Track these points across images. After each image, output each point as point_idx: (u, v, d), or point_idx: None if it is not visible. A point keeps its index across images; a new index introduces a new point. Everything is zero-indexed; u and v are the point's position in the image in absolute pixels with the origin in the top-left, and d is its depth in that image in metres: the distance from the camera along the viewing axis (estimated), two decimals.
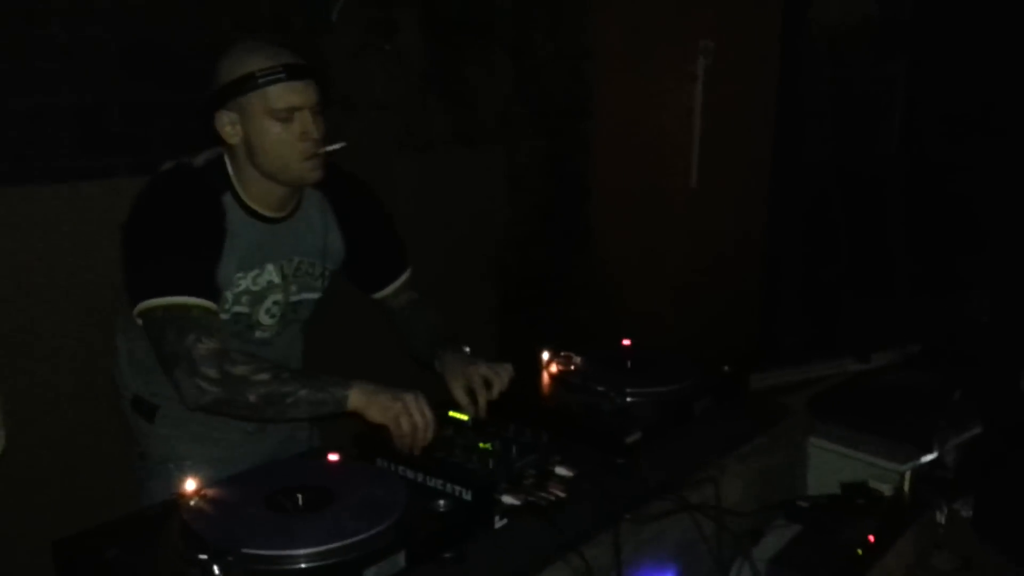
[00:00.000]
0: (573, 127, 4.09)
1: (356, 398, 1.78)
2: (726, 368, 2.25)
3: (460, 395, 1.96)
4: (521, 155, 3.87)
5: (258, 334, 2.04)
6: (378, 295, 2.27)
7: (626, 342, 2.34)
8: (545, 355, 2.25)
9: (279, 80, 1.85)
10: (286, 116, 1.87)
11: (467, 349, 2.08)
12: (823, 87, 4.87)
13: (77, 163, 2.58)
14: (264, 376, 1.77)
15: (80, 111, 2.56)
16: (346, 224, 2.13)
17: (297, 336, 2.20)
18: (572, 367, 2.22)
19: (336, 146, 1.94)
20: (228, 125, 1.89)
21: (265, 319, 2.03)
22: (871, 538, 1.97)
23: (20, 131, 2.46)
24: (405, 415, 1.76)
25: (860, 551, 1.93)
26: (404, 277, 2.27)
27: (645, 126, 4.32)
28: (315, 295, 2.12)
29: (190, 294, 1.80)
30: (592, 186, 4.17)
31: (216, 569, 1.31)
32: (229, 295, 1.94)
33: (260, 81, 1.84)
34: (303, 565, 1.38)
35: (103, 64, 2.57)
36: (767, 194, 4.90)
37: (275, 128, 1.87)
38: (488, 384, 1.95)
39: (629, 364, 2.26)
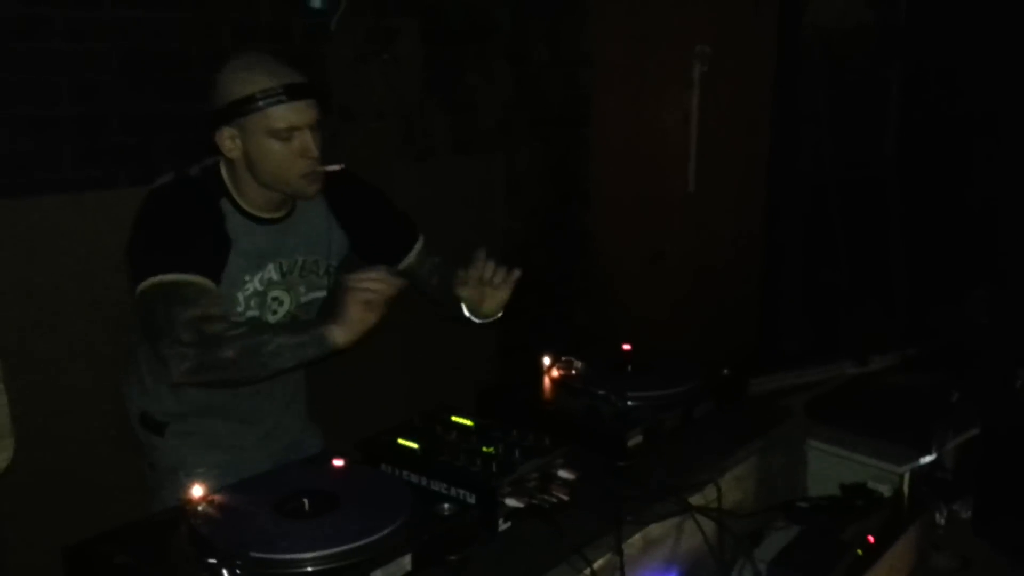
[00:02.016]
0: (572, 133, 4.10)
1: (338, 331, 1.78)
2: (726, 371, 2.26)
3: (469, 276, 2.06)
4: (521, 161, 3.89)
5: None
6: (400, 267, 2.25)
7: (626, 346, 2.35)
8: (546, 360, 2.26)
9: (280, 102, 1.87)
10: (286, 135, 1.90)
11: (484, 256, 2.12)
12: (819, 91, 4.89)
13: (79, 173, 2.59)
14: (238, 331, 1.79)
15: (81, 122, 2.57)
16: (345, 217, 2.15)
17: None
18: (573, 371, 2.23)
19: (335, 167, 1.98)
20: (228, 140, 1.92)
21: (272, 319, 2.05)
22: (871, 539, 1.98)
23: (22, 142, 2.48)
24: (377, 300, 1.78)
25: (860, 552, 1.94)
26: (418, 247, 2.28)
27: (643, 131, 4.34)
28: (322, 294, 2.14)
29: (181, 271, 1.82)
30: (591, 191, 4.19)
31: (225, 573, 1.33)
32: (240, 297, 1.97)
33: (261, 104, 1.87)
34: (310, 569, 1.39)
35: (104, 75, 2.59)
36: (765, 198, 4.93)
37: (275, 146, 1.90)
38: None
39: (629, 368, 2.27)
